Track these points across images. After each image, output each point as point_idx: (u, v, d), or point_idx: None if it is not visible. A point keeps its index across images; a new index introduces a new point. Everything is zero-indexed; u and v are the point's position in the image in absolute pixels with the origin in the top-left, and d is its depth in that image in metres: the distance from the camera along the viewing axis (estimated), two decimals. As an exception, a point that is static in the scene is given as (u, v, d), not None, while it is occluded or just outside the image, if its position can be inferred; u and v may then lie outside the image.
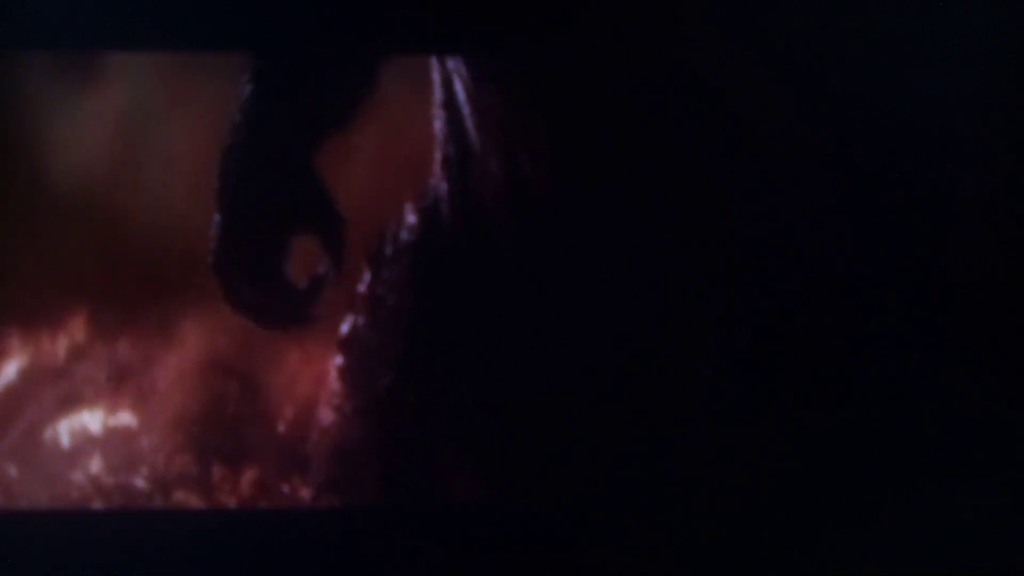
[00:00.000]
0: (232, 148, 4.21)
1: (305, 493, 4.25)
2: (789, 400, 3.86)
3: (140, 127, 4.75)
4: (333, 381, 4.38)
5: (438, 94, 4.33)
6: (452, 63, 4.24)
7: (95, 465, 4.42)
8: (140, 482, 4.35)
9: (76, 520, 4.08)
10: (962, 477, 3.82)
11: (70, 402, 4.51)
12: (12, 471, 4.38)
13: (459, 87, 4.25)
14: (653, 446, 3.94)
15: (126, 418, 4.48)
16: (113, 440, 4.44)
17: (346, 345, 4.39)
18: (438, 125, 4.33)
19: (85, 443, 4.43)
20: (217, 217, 4.24)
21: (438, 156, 4.34)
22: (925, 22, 3.81)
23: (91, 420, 4.46)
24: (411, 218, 4.38)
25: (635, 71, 3.98)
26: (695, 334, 3.97)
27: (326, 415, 4.36)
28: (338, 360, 4.37)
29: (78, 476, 4.39)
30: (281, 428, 4.44)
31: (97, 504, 4.27)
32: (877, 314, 3.89)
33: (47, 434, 4.42)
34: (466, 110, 4.26)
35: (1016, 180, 3.90)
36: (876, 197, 3.87)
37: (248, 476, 4.34)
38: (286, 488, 4.28)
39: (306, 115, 4.20)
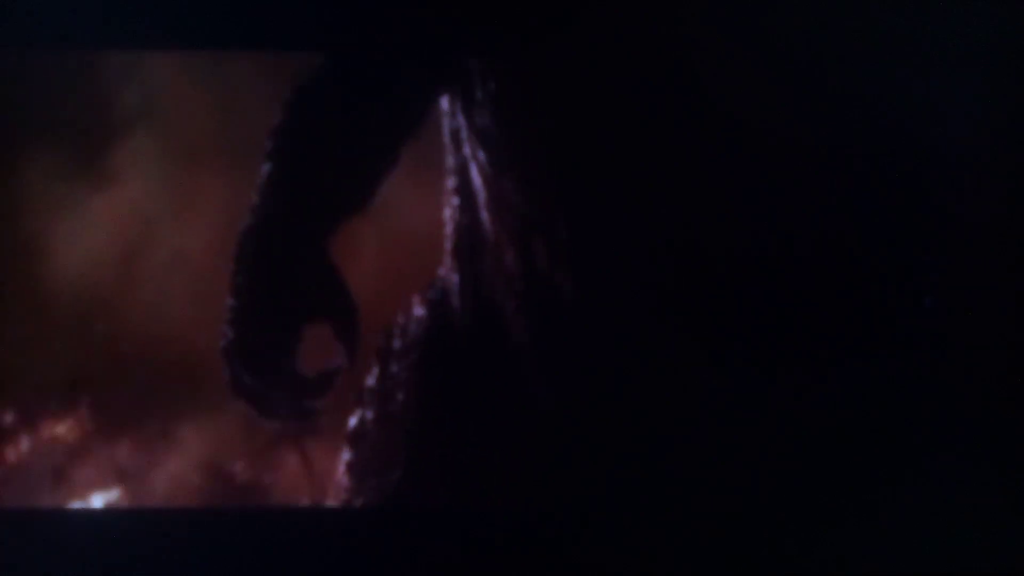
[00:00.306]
0: (248, 230, 4.10)
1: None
2: (789, 400, 3.85)
3: (145, 226, 4.75)
4: (341, 476, 4.28)
5: (451, 180, 4.23)
6: (468, 148, 4.12)
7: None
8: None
9: (76, 520, 4.08)
10: (962, 477, 3.82)
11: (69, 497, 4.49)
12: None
13: (475, 172, 4.12)
14: (653, 449, 3.92)
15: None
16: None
17: (354, 440, 4.31)
18: (449, 212, 4.22)
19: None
20: (229, 301, 4.13)
21: (448, 245, 4.25)
22: (925, 22, 3.81)
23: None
24: (419, 311, 4.28)
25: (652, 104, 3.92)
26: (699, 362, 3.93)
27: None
28: (346, 455, 4.29)
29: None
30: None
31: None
32: (877, 314, 3.89)
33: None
34: (481, 196, 4.12)
35: (1016, 181, 3.91)
36: (876, 198, 3.86)
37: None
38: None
39: (323, 196, 4.11)
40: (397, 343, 4.34)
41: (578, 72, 3.92)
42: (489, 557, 3.85)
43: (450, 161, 4.24)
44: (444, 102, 4.21)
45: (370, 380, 4.34)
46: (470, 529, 3.93)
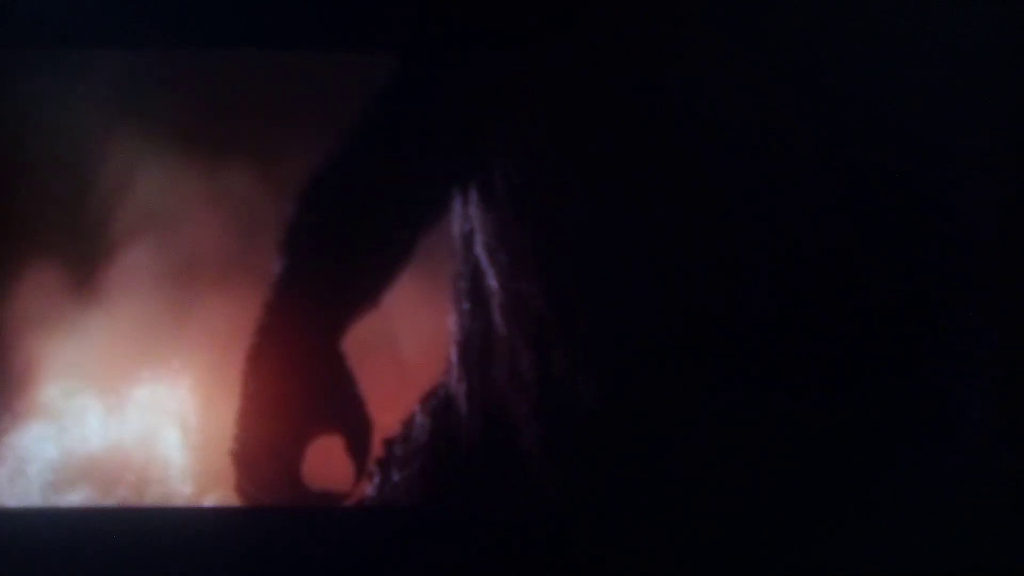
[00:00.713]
0: (261, 327, 4.01)
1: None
2: (789, 400, 3.82)
3: (144, 342, 4.74)
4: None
5: (461, 284, 4.13)
6: (482, 249, 4.02)
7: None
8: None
9: (76, 520, 4.04)
10: (961, 477, 3.81)
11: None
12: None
13: (490, 274, 4.01)
14: (653, 448, 3.88)
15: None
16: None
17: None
18: (456, 318, 4.09)
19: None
20: (239, 405, 4.01)
21: (455, 351, 4.11)
22: (925, 22, 3.84)
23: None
24: (421, 419, 4.12)
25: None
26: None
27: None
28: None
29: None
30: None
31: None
32: (877, 314, 3.88)
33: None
34: (496, 299, 4.01)
35: (1016, 181, 3.92)
36: (875, 197, 3.86)
37: None
38: None
39: (337, 291, 4.00)
40: (399, 451, 4.25)
41: (607, 167, 3.87)
42: (490, 556, 3.83)
43: (459, 265, 4.17)
44: (456, 203, 4.13)
45: (370, 489, 4.24)
46: (472, 530, 3.90)
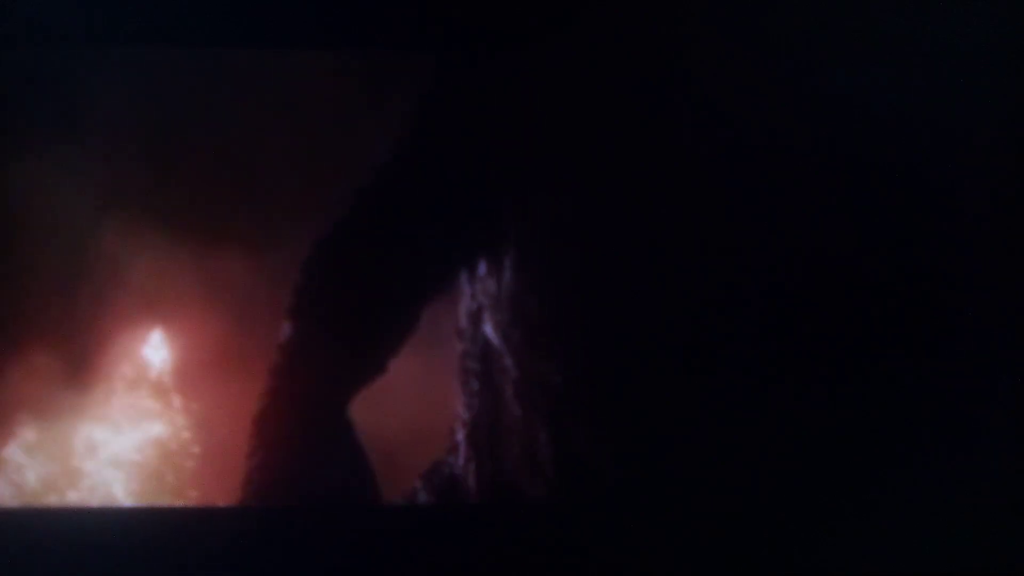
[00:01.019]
0: (268, 391, 3.92)
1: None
2: (789, 400, 3.82)
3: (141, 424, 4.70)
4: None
5: (469, 363, 4.02)
6: (494, 328, 3.98)
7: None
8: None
9: (76, 520, 4.04)
10: (962, 477, 3.81)
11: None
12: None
13: (505, 353, 3.91)
14: (653, 447, 3.87)
15: None
16: None
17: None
18: (465, 397, 3.98)
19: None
20: (247, 464, 3.93)
21: (462, 429, 4.00)
22: (925, 22, 3.84)
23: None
24: (424, 496, 4.09)
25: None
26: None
27: None
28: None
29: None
30: None
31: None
32: (877, 314, 3.88)
33: None
34: (511, 376, 3.92)
35: (1016, 180, 3.92)
36: (876, 197, 3.86)
37: None
38: None
39: (343, 357, 3.92)
40: (401, 526, 4.21)
41: (623, 220, 3.81)
42: (490, 555, 3.82)
43: (466, 344, 4.10)
44: (463, 280, 4.09)
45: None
46: (473, 528, 3.90)
